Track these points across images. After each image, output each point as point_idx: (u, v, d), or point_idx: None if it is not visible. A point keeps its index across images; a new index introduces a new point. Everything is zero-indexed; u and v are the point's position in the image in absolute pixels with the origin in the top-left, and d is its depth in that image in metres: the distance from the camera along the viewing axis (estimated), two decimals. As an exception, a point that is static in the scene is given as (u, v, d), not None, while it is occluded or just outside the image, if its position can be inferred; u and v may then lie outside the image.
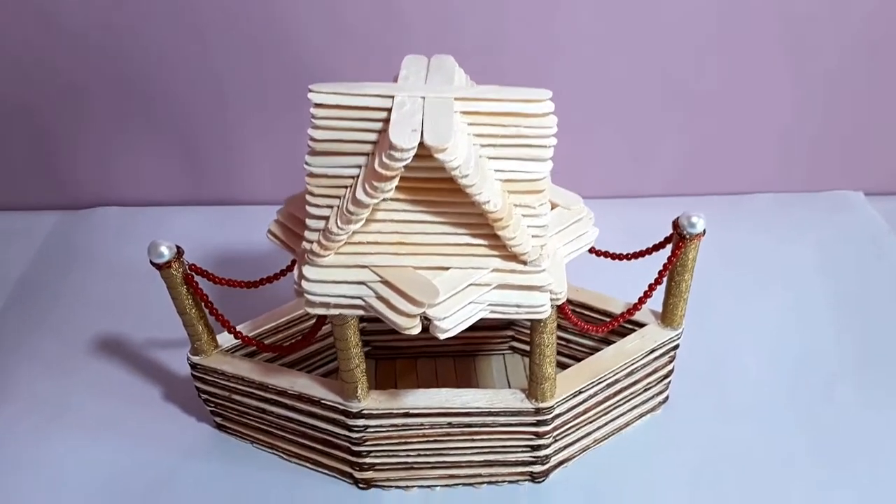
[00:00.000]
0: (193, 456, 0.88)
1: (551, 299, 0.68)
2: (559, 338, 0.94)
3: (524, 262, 0.67)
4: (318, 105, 0.65)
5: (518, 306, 0.67)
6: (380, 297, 0.65)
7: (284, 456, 0.87)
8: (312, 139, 0.66)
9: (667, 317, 0.85)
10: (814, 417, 0.91)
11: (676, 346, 0.87)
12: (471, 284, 0.66)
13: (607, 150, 1.28)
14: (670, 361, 0.88)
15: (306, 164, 0.67)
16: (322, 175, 0.66)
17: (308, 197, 0.67)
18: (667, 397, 0.93)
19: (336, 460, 0.83)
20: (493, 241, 0.67)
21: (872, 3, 1.12)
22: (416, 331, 0.65)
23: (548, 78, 1.10)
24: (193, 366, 0.84)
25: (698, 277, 0.97)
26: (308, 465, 0.86)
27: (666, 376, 0.90)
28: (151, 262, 0.76)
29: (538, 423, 0.79)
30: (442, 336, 0.65)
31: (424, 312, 0.64)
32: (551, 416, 0.78)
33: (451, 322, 0.65)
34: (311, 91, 0.66)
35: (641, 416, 0.91)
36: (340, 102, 0.65)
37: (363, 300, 0.66)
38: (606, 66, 1.18)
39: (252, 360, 0.84)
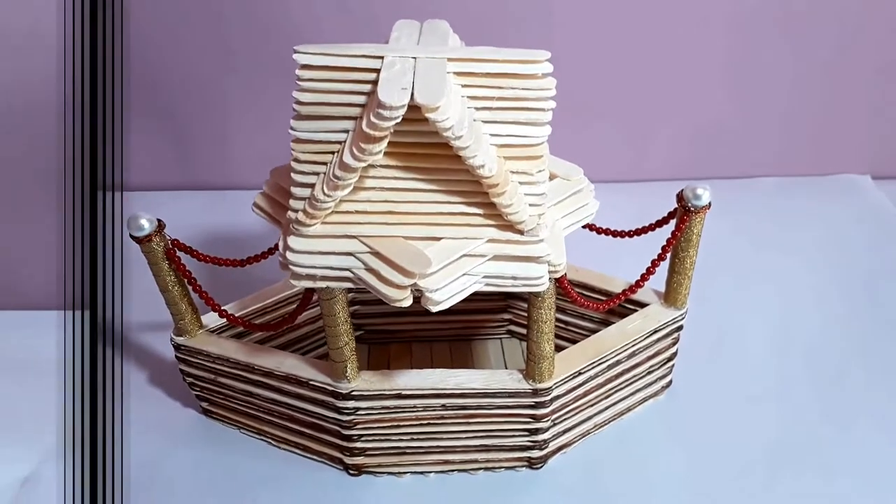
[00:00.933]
0: (178, 442, 0.85)
1: (549, 271, 0.65)
2: (557, 320, 0.91)
3: (521, 232, 0.63)
4: (304, 66, 0.62)
5: (514, 278, 0.64)
6: (369, 269, 0.62)
7: (273, 442, 0.84)
8: (298, 102, 0.62)
9: (670, 296, 0.81)
10: (823, 403, 0.87)
11: (680, 328, 0.84)
12: (465, 255, 0.63)
13: (608, 134, 1.25)
14: (674, 344, 0.85)
15: (292, 129, 0.63)
16: (308, 140, 0.63)
17: (293, 164, 0.64)
18: (670, 381, 0.89)
19: (325, 445, 0.80)
20: (488, 210, 0.63)
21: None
22: (407, 303, 0.61)
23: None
24: (177, 347, 0.81)
25: (702, 259, 0.94)
26: (297, 451, 0.83)
27: (669, 359, 0.86)
28: (131, 235, 0.73)
29: (536, 406, 0.75)
30: (434, 309, 0.62)
31: (416, 284, 0.61)
32: (549, 397, 0.75)
33: (444, 294, 0.62)
34: (296, 52, 0.63)
35: (644, 400, 0.88)
36: (327, 63, 0.62)
37: (351, 272, 0.63)
38: (607, 49, 1.15)
39: (239, 340, 0.81)
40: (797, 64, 1.17)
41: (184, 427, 0.87)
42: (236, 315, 0.79)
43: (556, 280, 0.68)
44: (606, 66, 1.17)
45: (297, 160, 0.63)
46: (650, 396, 0.88)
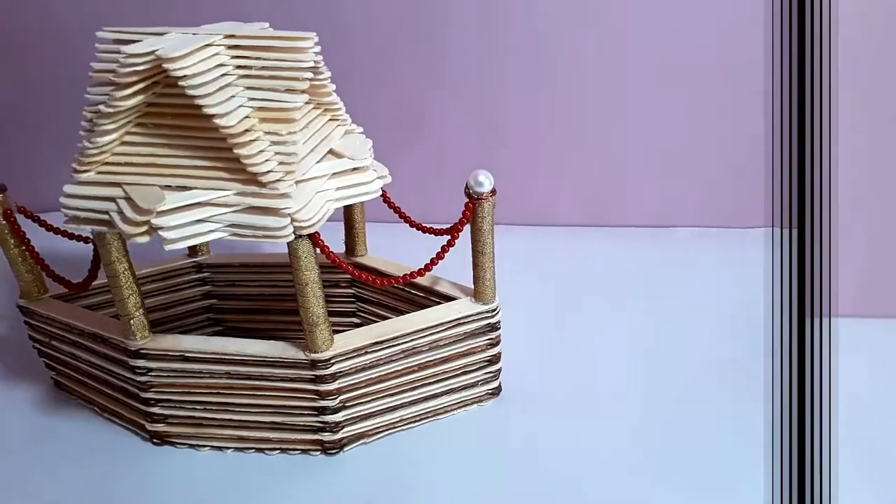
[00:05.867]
0: (17, 411, 0.89)
1: (295, 226, 0.68)
2: (366, 311, 0.94)
3: (263, 185, 0.68)
4: (100, 41, 0.71)
5: (255, 227, 0.68)
6: (119, 210, 0.68)
7: (97, 410, 0.88)
8: (93, 70, 0.71)
9: (477, 290, 0.82)
10: (649, 437, 0.82)
11: (494, 326, 0.83)
12: (209, 203, 0.68)
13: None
14: (492, 345, 0.84)
15: (86, 93, 0.71)
16: (94, 102, 0.70)
17: (82, 123, 0.72)
18: (498, 389, 0.88)
19: (132, 411, 0.83)
20: (238, 165, 0.68)
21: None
22: (143, 239, 0.66)
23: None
24: (20, 309, 0.87)
25: (586, 291, 1.06)
26: (114, 419, 0.86)
27: (491, 362, 0.85)
28: (-28, 195, 0.82)
29: (317, 380, 0.76)
30: (167, 247, 0.66)
31: (150, 221, 0.66)
32: (329, 371, 0.76)
33: (178, 233, 0.66)
34: (100, 30, 0.72)
35: (465, 404, 0.86)
36: (120, 38, 0.71)
37: (108, 214, 0.69)
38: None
39: (70, 304, 0.87)
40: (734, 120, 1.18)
41: (32, 397, 0.92)
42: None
43: (311, 238, 0.70)
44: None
45: (83, 119, 0.71)
46: (473, 401, 0.87)
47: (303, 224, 0.69)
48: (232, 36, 0.70)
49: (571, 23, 1.13)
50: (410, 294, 0.89)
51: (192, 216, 0.67)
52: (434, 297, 0.87)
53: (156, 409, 0.81)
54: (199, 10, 1.19)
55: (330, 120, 0.80)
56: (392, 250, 0.95)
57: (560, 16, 1.13)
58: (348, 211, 0.91)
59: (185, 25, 0.73)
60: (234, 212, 0.68)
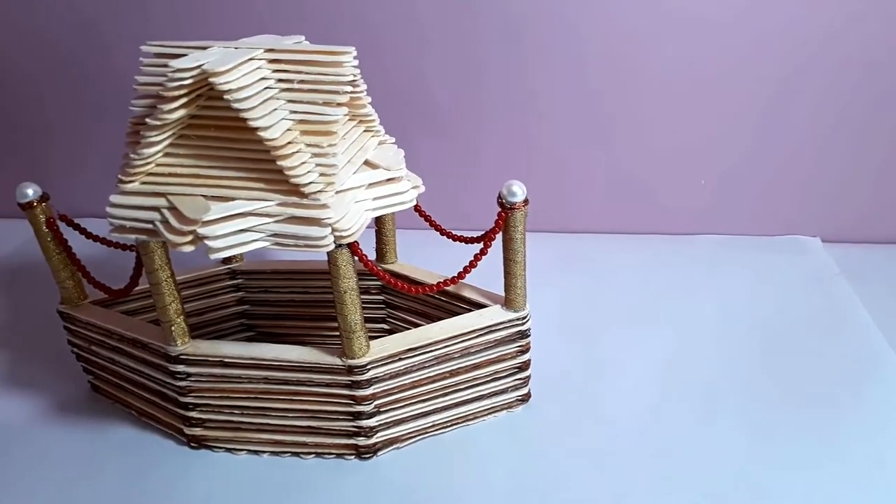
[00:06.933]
0: (56, 415, 0.91)
1: (336, 236, 0.70)
2: (396, 317, 0.95)
3: (305, 196, 0.69)
4: (144, 55, 0.73)
5: (297, 237, 0.69)
6: (164, 220, 0.70)
7: (135, 413, 0.90)
8: (137, 83, 0.73)
9: (508, 298, 0.83)
10: (677, 445, 0.83)
11: (524, 333, 0.84)
12: (252, 213, 0.70)
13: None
14: (522, 352, 0.86)
15: (131, 105, 0.74)
16: (139, 114, 0.73)
17: (127, 135, 0.74)
18: (527, 396, 0.89)
19: (170, 415, 0.85)
20: (281, 176, 0.70)
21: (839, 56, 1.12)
22: (188, 249, 0.68)
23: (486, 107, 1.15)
24: (60, 314, 0.90)
25: (613, 298, 1.07)
26: (152, 422, 0.88)
27: (520, 369, 0.87)
28: (18, 203, 0.84)
29: (353, 385, 0.78)
30: (212, 256, 0.68)
31: (195, 231, 0.68)
32: (365, 377, 0.77)
33: (223, 242, 0.68)
34: (145, 44, 0.74)
35: (495, 410, 0.88)
36: (164, 52, 0.73)
37: (153, 224, 0.71)
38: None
39: (109, 309, 0.89)
40: (755, 129, 1.19)
41: (69, 400, 0.94)
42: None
43: (350, 248, 0.72)
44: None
45: (128, 130, 0.73)
46: (503, 408, 0.88)
47: (343, 234, 0.70)
48: (272, 50, 0.72)
49: (601, 34, 1.14)
50: (440, 301, 0.91)
51: (236, 226, 0.69)
52: (463, 304, 0.88)
53: (194, 414, 0.83)
54: (232, 24, 1.21)
55: (364, 131, 0.81)
56: (419, 257, 0.97)
57: (589, 26, 1.14)
58: (380, 219, 0.93)
59: (216, 39, 0.75)
60: (276, 222, 0.70)
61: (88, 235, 0.89)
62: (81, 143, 1.37)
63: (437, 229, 0.88)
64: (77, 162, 1.39)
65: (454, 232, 0.88)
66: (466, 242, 0.85)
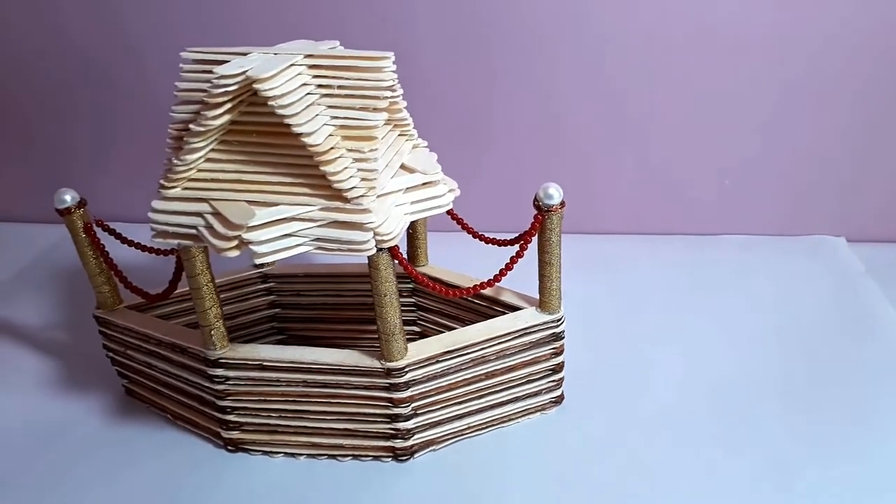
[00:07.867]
0: (93, 417, 0.92)
1: (377, 240, 0.71)
2: (427, 320, 0.96)
3: (346, 200, 0.70)
4: (185, 60, 0.74)
5: (340, 241, 0.70)
6: (207, 226, 0.70)
7: (171, 417, 0.90)
8: (178, 90, 0.74)
9: (542, 300, 0.84)
10: (711, 445, 0.83)
11: (558, 336, 0.85)
12: (296, 218, 0.70)
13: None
14: (556, 354, 0.86)
15: (171, 111, 0.74)
16: (180, 120, 0.73)
17: (168, 141, 0.74)
18: (561, 397, 0.90)
19: (207, 419, 0.86)
20: (323, 181, 0.71)
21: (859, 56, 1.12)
22: (233, 254, 0.68)
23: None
24: (96, 319, 0.90)
25: (639, 299, 1.08)
26: (188, 426, 0.89)
27: (554, 371, 0.87)
28: (56, 209, 0.85)
29: (391, 388, 0.79)
30: (258, 261, 0.69)
31: (241, 237, 0.68)
32: (403, 379, 0.78)
33: (268, 247, 0.69)
34: (184, 50, 0.75)
35: (529, 412, 0.88)
36: (202, 58, 0.73)
37: (197, 229, 0.71)
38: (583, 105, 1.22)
39: (145, 314, 0.89)
40: (782, 127, 1.19)
41: (103, 403, 0.94)
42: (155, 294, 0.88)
43: (391, 251, 0.73)
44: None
45: (170, 137, 0.74)
46: (537, 410, 0.88)
47: (384, 237, 0.71)
48: (311, 56, 0.73)
49: (627, 40, 1.15)
50: (472, 303, 0.91)
51: (281, 231, 0.69)
52: (496, 306, 0.89)
53: (231, 417, 0.83)
54: (263, 30, 1.21)
55: (399, 135, 0.82)
56: (449, 260, 0.97)
57: (615, 32, 1.15)
58: (412, 223, 0.94)
59: (245, 45, 0.76)
60: (319, 226, 0.70)
61: (124, 241, 0.90)
62: (104, 147, 1.38)
63: (469, 232, 0.89)
64: (100, 166, 1.40)
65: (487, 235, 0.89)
66: (500, 245, 0.86)
